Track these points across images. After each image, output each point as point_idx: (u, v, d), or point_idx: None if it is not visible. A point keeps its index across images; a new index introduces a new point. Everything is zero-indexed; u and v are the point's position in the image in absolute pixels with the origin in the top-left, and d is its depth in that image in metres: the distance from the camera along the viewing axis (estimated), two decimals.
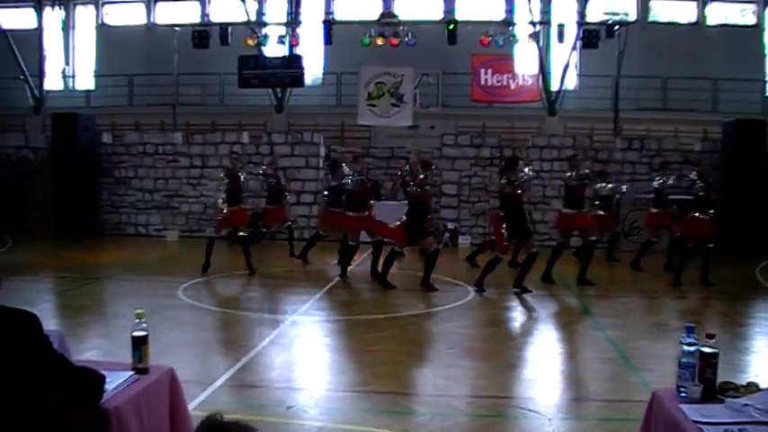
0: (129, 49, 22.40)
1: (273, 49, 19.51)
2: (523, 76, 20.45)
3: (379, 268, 11.15)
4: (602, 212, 13.19)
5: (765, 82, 21.69)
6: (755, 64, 21.43)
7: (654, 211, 13.50)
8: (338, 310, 9.82)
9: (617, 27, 18.43)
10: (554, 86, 20.84)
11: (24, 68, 22.58)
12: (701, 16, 22.10)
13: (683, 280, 11.27)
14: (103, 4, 24.30)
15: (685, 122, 20.15)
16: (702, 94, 20.46)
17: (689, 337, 3.35)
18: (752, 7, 22.18)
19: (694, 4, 22.23)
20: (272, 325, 8.64)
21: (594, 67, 19.80)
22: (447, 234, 16.76)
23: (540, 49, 20.18)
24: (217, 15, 22.33)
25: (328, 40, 18.94)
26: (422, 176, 10.65)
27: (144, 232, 18.18)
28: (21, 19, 23.58)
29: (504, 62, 20.12)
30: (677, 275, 11.43)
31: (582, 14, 19.85)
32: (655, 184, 13.54)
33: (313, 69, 21.33)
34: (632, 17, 20.74)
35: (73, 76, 24.32)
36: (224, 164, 17.97)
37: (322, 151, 18.41)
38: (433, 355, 7.47)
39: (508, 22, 19.60)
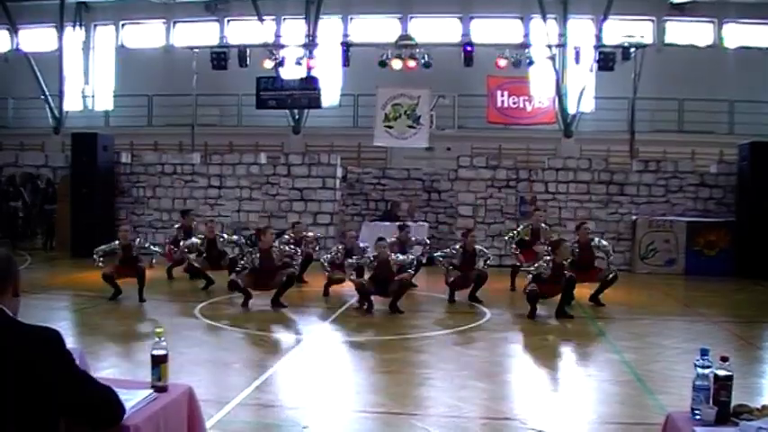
0: (147, 71, 22.72)
1: (291, 71, 19.67)
2: (540, 98, 20.48)
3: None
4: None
5: None
6: None
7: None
8: (353, 331, 9.83)
9: (633, 49, 18.46)
10: (570, 109, 20.88)
11: (45, 89, 22.90)
12: (718, 38, 22.12)
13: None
14: (123, 25, 24.66)
15: (701, 144, 20.12)
16: (719, 116, 20.46)
17: (703, 359, 3.36)
18: None
19: (711, 26, 22.26)
20: (289, 345, 8.69)
21: (610, 89, 19.84)
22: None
23: (556, 71, 20.25)
24: (235, 37, 22.59)
25: (346, 62, 19.09)
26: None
27: (161, 251, 18.27)
28: (42, 40, 23.95)
29: (520, 84, 20.18)
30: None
31: (598, 37, 19.92)
32: None
33: (330, 91, 21.46)
34: (648, 40, 20.78)
35: (92, 97, 24.61)
36: (241, 184, 18.18)
37: (339, 172, 18.50)
38: (447, 376, 7.46)
39: (524, 45, 19.69)
